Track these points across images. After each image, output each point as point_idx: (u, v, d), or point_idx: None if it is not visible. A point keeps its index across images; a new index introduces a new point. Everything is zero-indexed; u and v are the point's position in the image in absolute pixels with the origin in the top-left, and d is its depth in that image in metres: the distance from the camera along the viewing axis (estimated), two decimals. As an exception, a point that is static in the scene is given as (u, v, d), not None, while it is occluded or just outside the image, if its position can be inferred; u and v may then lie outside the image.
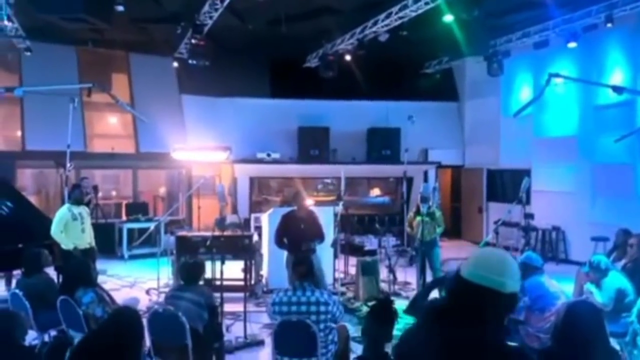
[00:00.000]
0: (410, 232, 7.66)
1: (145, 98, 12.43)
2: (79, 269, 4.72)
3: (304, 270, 4.13)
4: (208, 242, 7.34)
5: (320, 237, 6.33)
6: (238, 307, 6.83)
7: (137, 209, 11.69)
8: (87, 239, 6.83)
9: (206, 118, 12.96)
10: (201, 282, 4.92)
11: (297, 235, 6.15)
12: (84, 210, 6.94)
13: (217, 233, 7.71)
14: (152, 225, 10.65)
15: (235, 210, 13.07)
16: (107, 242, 11.35)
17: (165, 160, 11.95)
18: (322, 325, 3.99)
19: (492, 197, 13.32)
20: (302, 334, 3.94)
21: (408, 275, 8.74)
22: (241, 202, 13.39)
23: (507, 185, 12.90)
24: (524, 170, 11.94)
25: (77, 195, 6.89)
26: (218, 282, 8.19)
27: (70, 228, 6.66)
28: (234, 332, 6.30)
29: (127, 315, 2.69)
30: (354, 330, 6.32)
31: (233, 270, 8.43)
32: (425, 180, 13.83)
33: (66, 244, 6.59)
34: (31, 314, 4.79)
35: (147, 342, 4.42)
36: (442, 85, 14.20)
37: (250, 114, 13.21)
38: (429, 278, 7.17)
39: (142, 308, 4.40)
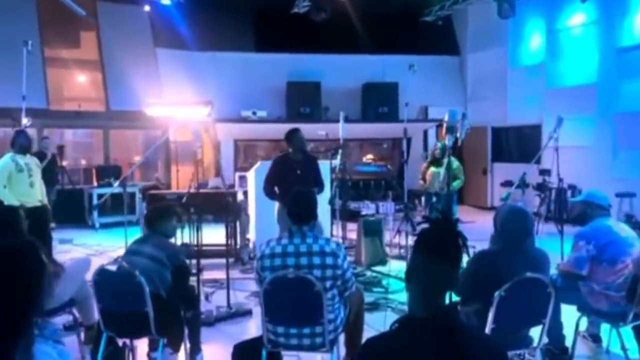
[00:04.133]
0: (423, 185, 6.60)
1: (116, 51, 11.16)
2: (3, 217, 3.59)
3: (303, 210, 3.03)
4: (184, 200, 6.22)
5: (319, 186, 5.23)
6: (222, 275, 5.80)
7: (109, 172, 10.47)
8: (36, 195, 5.67)
9: (184, 74, 11.68)
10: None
11: (292, 183, 5.00)
12: (32, 161, 5.77)
13: (194, 190, 6.62)
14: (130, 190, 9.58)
15: (218, 174, 11.96)
16: (76, 210, 10.23)
17: (138, 119, 10.70)
18: (328, 283, 2.93)
19: (497, 157, 12.33)
20: (303, 295, 2.88)
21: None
22: (225, 169, 12.25)
23: (515, 144, 11.92)
24: (535, 125, 10.97)
25: (23, 141, 5.69)
26: (199, 247, 7.29)
27: (15, 182, 5.50)
28: (215, 301, 5.24)
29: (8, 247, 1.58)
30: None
31: (218, 234, 7.38)
32: (425, 139, 12.82)
33: (9, 200, 5.42)
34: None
35: (95, 312, 3.36)
36: (442, 38, 13.05)
37: (234, 69, 11.99)
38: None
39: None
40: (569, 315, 3.71)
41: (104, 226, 10.05)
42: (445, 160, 4.65)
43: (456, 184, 6.39)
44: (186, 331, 3.67)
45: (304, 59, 12.16)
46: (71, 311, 3.81)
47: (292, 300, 2.92)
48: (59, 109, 10.57)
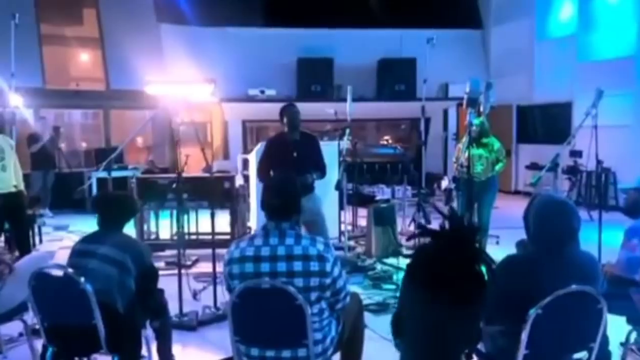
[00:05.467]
0: (458, 168, 5.93)
1: (117, 28, 10.57)
2: None
3: (281, 202, 2.40)
4: (174, 185, 5.64)
5: (321, 169, 4.56)
6: (218, 268, 5.23)
7: (109, 155, 9.93)
8: (9, 180, 5.13)
9: (189, 51, 11.04)
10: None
11: (287, 167, 4.36)
12: (4, 142, 5.23)
13: (188, 174, 6.05)
14: (128, 174, 9.08)
15: (227, 156, 11.42)
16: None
17: (140, 99, 10.15)
18: (313, 295, 2.30)
19: (523, 138, 11.53)
20: (281, 310, 2.27)
21: (433, 224, 7.04)
22: (233, 151, 11.69)
23: (541, 123, 11.12)
24: (564, 103, 10.14)
25: (-7, 121, 5.16)
26: (194, 236, 6.74)
27: (-17, 165, 4.98)
28: (204, 299, 4.67)
29: None
30: (365, 297, 4.70)
31: (218, 222, 6.81)
32: (446, 119, 12.06)
33: (-23, 186, 4.92)
34: None
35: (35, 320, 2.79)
36: (464, 10, 12.21)
37: (241, 45, 11.32)
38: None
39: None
40: (616, 328, 3.04)
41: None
42: (465, 140, 3.92)
43: (499, 168, 5.68)
44: (155, 343, 3.12)
45: (315, 34, 11.44)
46: (22, 318, 3.26)
47: (267, 316, 2.31)
48: (56, 88, 10.04)
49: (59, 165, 9.50)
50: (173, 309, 4.10)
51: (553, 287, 2.15)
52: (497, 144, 5.65)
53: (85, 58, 11.64)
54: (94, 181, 9.29)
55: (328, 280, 2.32)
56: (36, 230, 7.27)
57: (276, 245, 2.31)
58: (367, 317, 4.24)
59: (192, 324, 3.98)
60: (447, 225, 1.07)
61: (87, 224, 8.48)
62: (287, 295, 2.23)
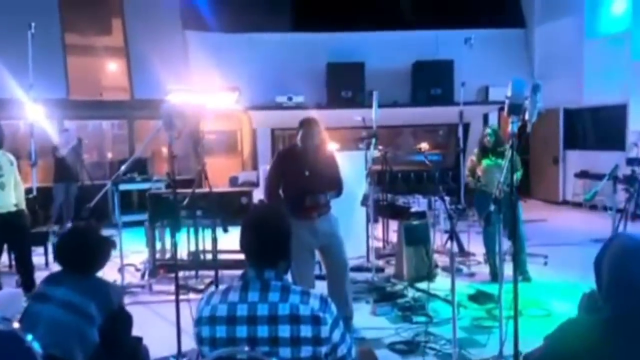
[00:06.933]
0: (472, 182, 5.38)
1: (142, 36, 10.33)
2: None
3: (263, 243, 1.84)
4: (186, 202, 5.21)
5: (336, 188, 3.99)
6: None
7: (133, 166, 9.63)
8: (9, 198, 4.78)
9: (216, 59, 10.73)
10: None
11: (298, 186, 3.82)
12: (4, 158, 4.88)
13: (204, 190, 5.62)
14: (142, 187, 8.80)
15: (255, 166, 10.99)
16: (98, 208, 9.49)
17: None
18: (305, 369, 1.75)
19: (571, 144, 10.67)
20: (263, 388, 1.72)
21: (472, 242, 6.42)
22: (262, 161, 11.27)
23: (592, 128, 10.27)
24: (618, 106, 9.30)
25: (-7, 135, 4.82)
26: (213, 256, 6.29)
27: (-20, 183, 4.64)
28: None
29: None
30: (393, 332, 4.12)
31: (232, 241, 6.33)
32: (486, 125, 11.28)
33: (-28, 205, 4.58)
34: None
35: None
36: (505, 8, 11.47)
37: (269, 51, 10.91)
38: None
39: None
40: None
41: (128, 225, 9.24)
42: (509, 153, 3.29)
43: (516, 177, 5.07)
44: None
45: (345, 38, 10.96)
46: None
47: (246, 395, 1.76)
48: (78, 98, 9.83)
49: (81, 177, 9.27)
50: (170, 348, 3.64)
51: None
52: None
53: (114, 68, 11.46)
54: (116, 195, 9.00)
55: (325, 349, 1.76)
56: (50, 248, 7.01)
57: (256, 303, 1.76)
58: (393, 359, 3.68)
59: (192, 367, 3.48)
60: None
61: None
62: (270, 369, 1.69)
